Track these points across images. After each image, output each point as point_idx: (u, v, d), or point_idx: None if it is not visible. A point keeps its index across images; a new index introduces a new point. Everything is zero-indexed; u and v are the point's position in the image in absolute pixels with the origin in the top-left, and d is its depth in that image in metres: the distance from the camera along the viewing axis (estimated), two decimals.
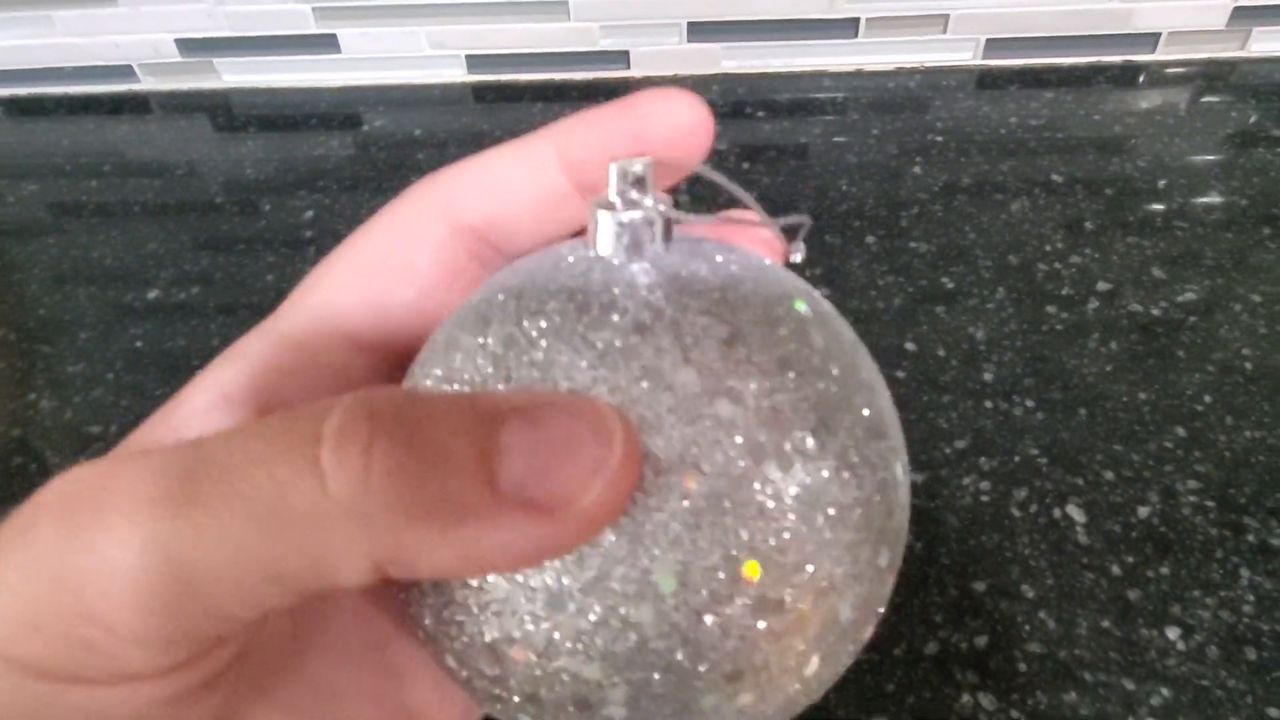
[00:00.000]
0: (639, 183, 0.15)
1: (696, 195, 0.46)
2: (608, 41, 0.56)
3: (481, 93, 0.58)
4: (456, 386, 0.14)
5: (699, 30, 0.56)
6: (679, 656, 0.13)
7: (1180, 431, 0.35)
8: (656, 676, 0.13)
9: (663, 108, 0.17)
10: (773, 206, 0.47)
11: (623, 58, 0.57)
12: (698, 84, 0.56)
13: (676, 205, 0.15)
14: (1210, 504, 0.32)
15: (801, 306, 0.15)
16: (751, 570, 0.13)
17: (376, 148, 0.54)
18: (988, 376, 0.37)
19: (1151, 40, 0.55)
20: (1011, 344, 0.39)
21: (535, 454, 0.12)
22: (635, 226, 0.14)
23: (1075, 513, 0.32)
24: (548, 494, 0.12)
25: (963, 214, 0.46)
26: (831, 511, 0.14)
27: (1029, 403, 0.36)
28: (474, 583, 0.14)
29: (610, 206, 0.15)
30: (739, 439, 0.13)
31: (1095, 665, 0.28)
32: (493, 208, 0.17)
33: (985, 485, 0.33)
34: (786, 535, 0.13)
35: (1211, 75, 0.55)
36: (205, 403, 0.16)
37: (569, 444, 0.12)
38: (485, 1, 0.55)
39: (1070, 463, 0.34)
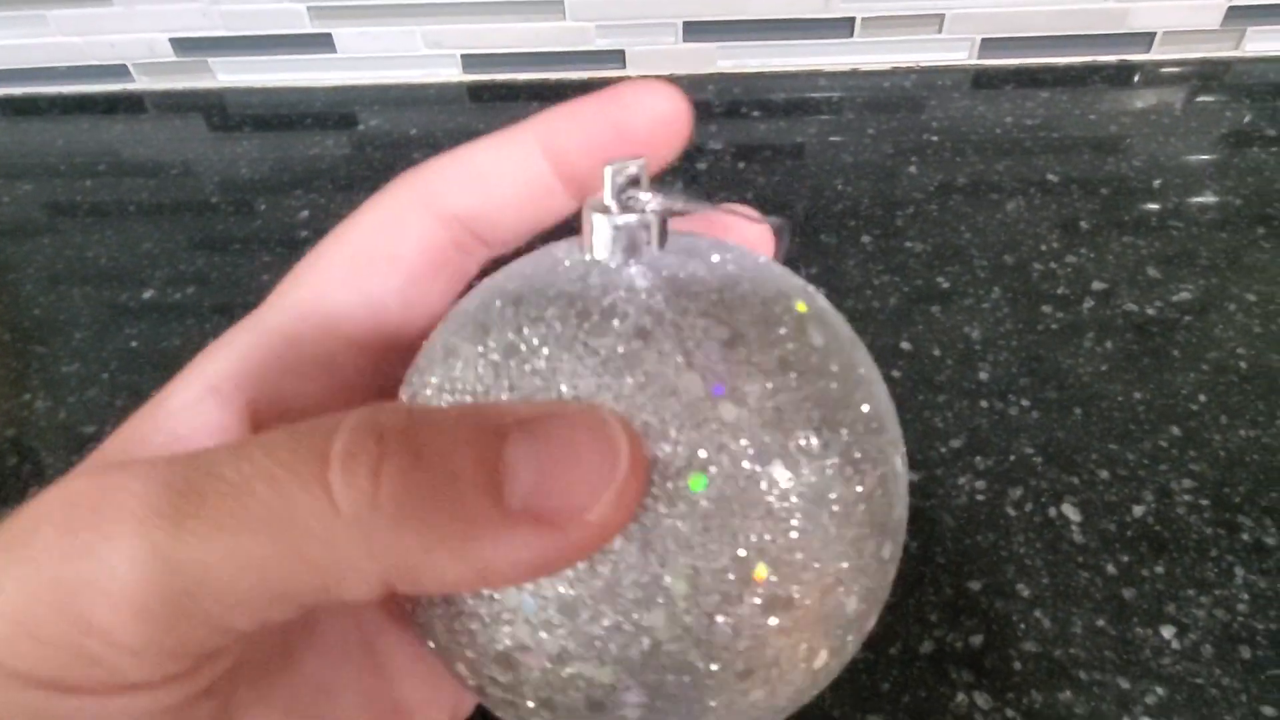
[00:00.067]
0: (634, 184, 0.15)
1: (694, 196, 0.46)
2: (603, 41, 0.56)
3: (477, 92, 0.58)
4: (457, 396, 0.14)
5: (694, 30, 0.56)
6: (692, 658, 0.13)
7: (1175, 431, 0.35)
8: (670, 678, 0.13)
9: (643, 99, 0.17)
10: (768, 207, 0.47)
11: (618, 57, 0.57)
12: (693, 83, 0.56)
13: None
14: (1205, 503, 0.32)
15: (799, 304, 0.15)
16: (761, 570, 0.13)
17: (372, 147, 0.54)
18: (983, 376, 0.38)
19: (1146, 40, 0.56)
20: (1007, 343, 0.39)
21: (541, 468, 0.12)
22: (631, 229, 0.14)
23: (1070, 512, 0.32)
24: (555, 508, 0.12)
25: (958, 214, 0.46)
26: (836, 508, 0.14)
27: (1024, 402, 0.36)
28: (484, 593, 0.14)
29: (605, 210, 0.15)
30: (744, 441, 0.13)
31: (1090, 664, 0.28)
32: (477, 199, 0.18)
33: (980, 484, 0.33)
34: (794, 534, 0.13)
35: (1206, 75, 0.55)
36: (193, 396, 0.16)
37: (574, 456, 0.12)
38: (481, 1, 0.55)
39: (1065, 462, 0.34)
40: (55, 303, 0.45)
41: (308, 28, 0.56)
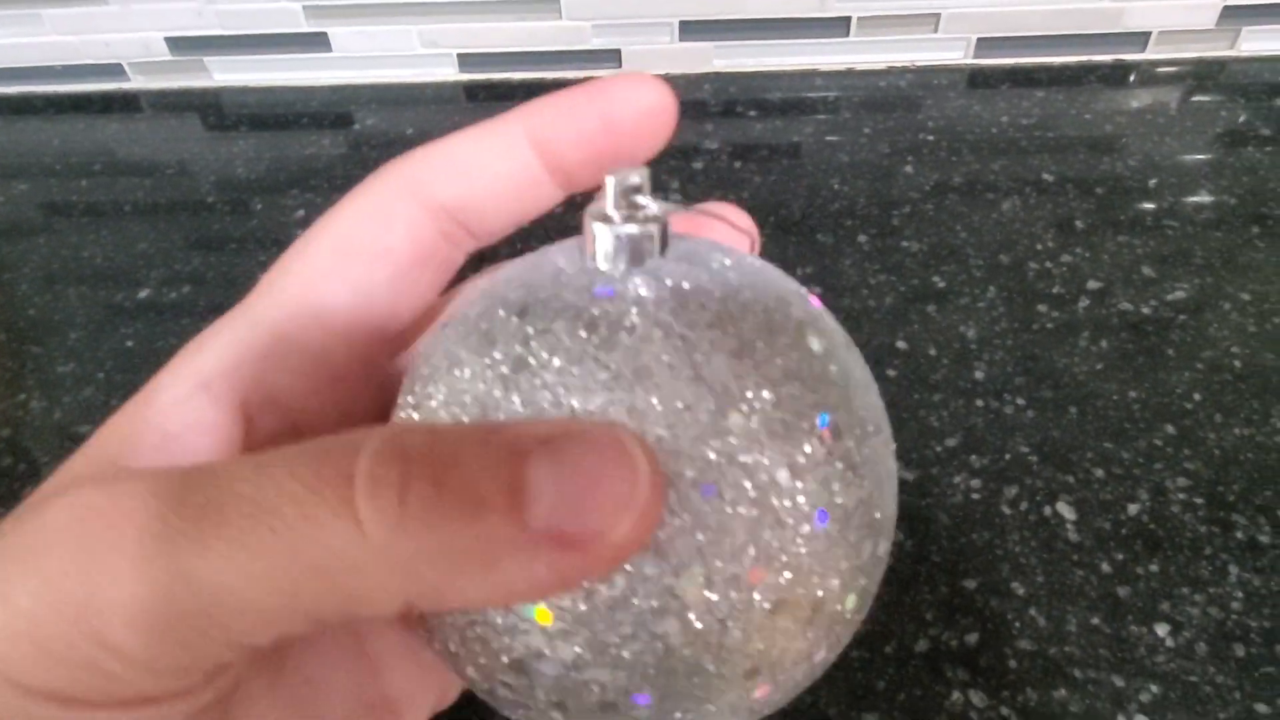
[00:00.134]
0: (636, 193, 0.15)
1: (692, 196, 0.46)
2: (599, 40, 0.56)
3: (473, 91, 0.58)
4: (466, 409, 0.14)
5: (690, 29, 0.56)
6: (703, 661, 0.14)
7: (1170, 429, 0.35)
8: (681, 680, 0.14)
9: (630, 91, 0.17)
10: (765, 206, 0.47)
11: (614, 56, 0.57)
12: (689, 83, 0.56)
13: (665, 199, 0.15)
14: (1199, 501, 0.33)
15: (799, 311, 0.15)
16: (771, 576, 0.14)
17: (368, 147, 0.53)
18: (979, 375, 0.38)
19: (1142, 40, 0.56)
20: (1002, 342, 0.39)
21: (562, 490, 0.12)
22: (635, 239, 0.14)
23: (1065, 510, 0.32)
24: (577, 529, 0.12)
25: (954, 213, 0.46)
26: (840, 511, 0.14)
27: (1019, 401, 0.36)
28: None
29: (607, 219, 0.14)
30: (753, 450, 0.13)
31: (1085, 662, 0.28)
32: (463, 188, 0.17)
33: (976, 483, 0.34)
34: (801, 538, 0.14)
35: (1201, 74, 0.55)
36: (184, 392, 0.16)
37: (595, 478, 0.12)
38: (477, 0, 0.55)
39: (1060, 461, 0.34)
40: (51, 302, 0.44)
41: (303, 27, 0.56)
